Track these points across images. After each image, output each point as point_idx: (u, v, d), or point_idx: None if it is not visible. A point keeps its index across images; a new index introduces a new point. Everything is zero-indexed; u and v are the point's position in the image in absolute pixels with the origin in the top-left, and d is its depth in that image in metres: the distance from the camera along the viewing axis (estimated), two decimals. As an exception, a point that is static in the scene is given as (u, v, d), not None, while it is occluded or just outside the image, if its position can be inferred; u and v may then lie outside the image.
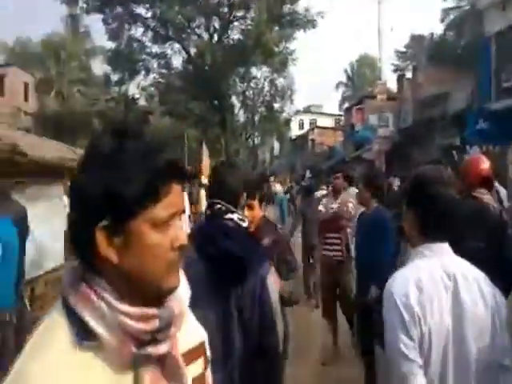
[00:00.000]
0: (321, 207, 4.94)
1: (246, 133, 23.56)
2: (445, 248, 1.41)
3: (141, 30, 20.98)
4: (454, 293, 1.33)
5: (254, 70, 22.45)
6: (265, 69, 22.13)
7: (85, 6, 20.20)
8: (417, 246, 1.44)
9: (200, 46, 19.90)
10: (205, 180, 14.52)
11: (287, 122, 26.49)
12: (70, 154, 6.72)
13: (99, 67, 32.55)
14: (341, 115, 38.72)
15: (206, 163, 15.21)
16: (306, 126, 44.99)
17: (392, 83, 27.05)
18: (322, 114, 46.41)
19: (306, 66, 77.84)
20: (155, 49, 21.58)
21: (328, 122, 43.15)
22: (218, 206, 1.72)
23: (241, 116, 23.74)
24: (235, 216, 1.72)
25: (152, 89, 23.77)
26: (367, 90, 38.06)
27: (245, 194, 2.04)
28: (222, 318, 1.59)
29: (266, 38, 18.30)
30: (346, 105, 38.26)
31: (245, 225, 1.74)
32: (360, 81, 46.80)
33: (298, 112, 32.11)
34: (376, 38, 24.48)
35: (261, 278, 1.62)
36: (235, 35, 20.97)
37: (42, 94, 31.14)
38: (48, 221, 5.65)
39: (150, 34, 21.06)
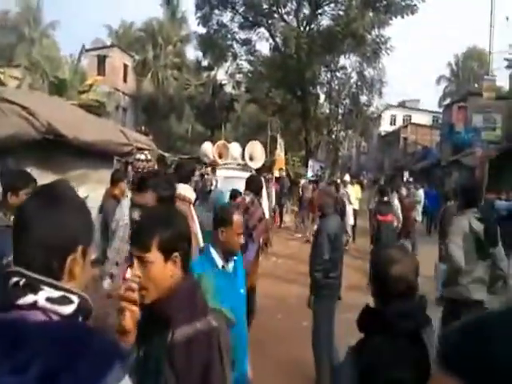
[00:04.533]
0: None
1: (328, 126, 22.18)
2: None
3: (229, 15, 20.70)
4: None
5: (342, 60, 20.92)
6: (355, 58, 20.46)
7: (179, -10, 20.44)
8: None
9: (286, 32, 18.94)
10: (276, 173, 13.74)
11: (377, 116, 24.62)
12: (121, 138, 6.48)
13: (193, 53, 33.50)
14: (439, 113, 35.56)
15: (280, 156, 14.51)
16: (399, 123, 42.16)
17: (503, 81, 24.11)
18: (417, 109, 43.08)
19: (403, 57, 73.17)
20: (242, 35, 21.18)
21: (424, 120, 39.96)
22: (15, 278, 0.90)
23: (325, 108, 22.45)
24: (41, 297, 0.89)
25: (239, 76, 23.57)
26: (473, 87, 34.47)
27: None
28: None
29: (358, 24, 16.75)
30: (447, 102, 35.02)
31: (68, 310, 0.90)
32: (465, 76, 42.56)
33: (389, 107, 29.93)
34: (487, 28, 21.86)
35: None
36: (325, 21, 19.66)
37: (139, 76, 32.75)
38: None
39: (237, 19, 20.69)
